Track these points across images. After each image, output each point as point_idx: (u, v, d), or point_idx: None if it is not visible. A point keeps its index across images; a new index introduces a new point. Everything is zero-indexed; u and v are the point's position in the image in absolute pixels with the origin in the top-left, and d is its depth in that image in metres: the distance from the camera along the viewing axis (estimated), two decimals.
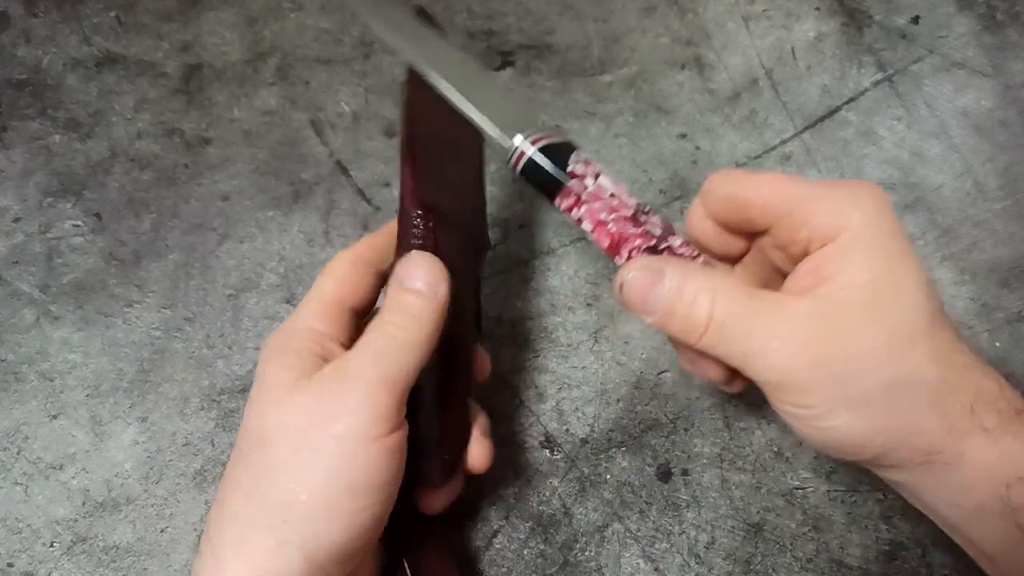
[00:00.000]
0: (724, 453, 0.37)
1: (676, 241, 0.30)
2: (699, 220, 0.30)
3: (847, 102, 0.47)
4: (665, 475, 0.37)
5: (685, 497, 0.36)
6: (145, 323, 0.41)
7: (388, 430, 0.27)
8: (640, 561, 0.35)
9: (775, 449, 0.37)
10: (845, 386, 0.25)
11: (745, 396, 0.38)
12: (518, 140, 0.30)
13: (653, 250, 0.29)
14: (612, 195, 0.30)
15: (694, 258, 0.30)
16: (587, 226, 0.30)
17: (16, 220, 0.44)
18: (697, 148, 0.46)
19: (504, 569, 0.35)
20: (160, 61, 0.49)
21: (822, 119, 0.46)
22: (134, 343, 0.41)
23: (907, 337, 0.25)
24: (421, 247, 0.30)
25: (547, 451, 0.38)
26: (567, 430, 0.38)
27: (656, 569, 0.35)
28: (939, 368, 0.25)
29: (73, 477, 0.38)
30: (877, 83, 0.47)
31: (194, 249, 0.43)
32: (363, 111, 0.47)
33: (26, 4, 0.51)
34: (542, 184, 0.30)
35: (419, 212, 0.30)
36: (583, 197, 0.30)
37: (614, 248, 0.30)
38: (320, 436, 0.26)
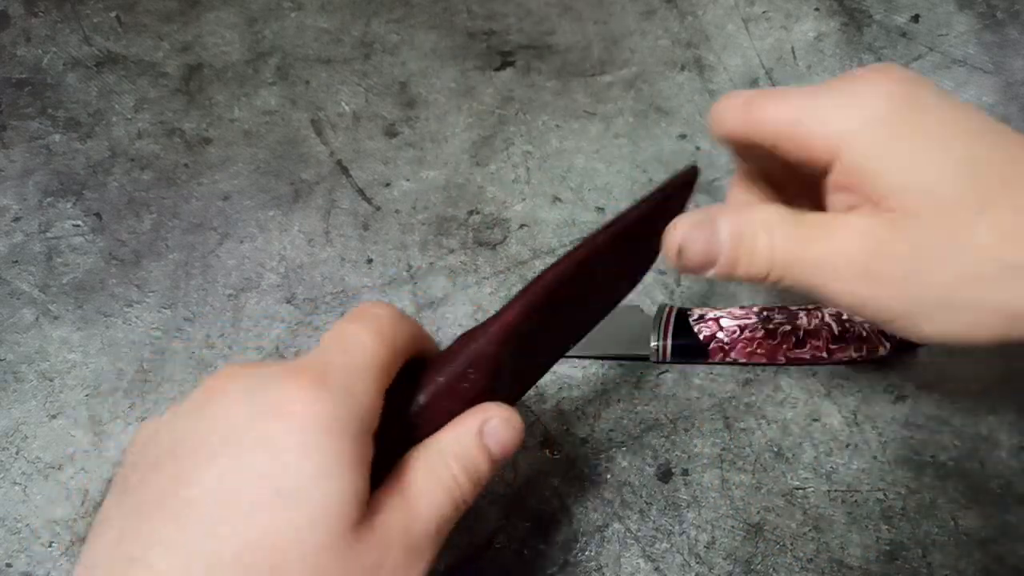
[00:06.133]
0: (724, 453, 0.37)
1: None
2: (742, 192, 0.30)
3: None
4: (665, 475, 0.37)
5: (685, 497, 0.36)
6: (145, 323, 0.41)
7: None
8: (640, 561, 0.35)
9: (775, 449, 0.37)
10: (925, 283, 0.24)
11: (744, 396, 0.38)
12: (653, 343, 0.37)
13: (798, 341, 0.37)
14: (729, 314, 0.37)
15: None
16: (743, 359, 0.37)
17: (16, 220, 0.44)
18: (697, 148, 0.46)
19: (504, 569, 0.35)
20: (160, 61, 0.49)
21: None
22: (134, 343, 0.41)
23: (964, 222, 0.23)
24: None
25: (547, 451, 0.38)
26: (567, 430, 0.38)
27: (656, 569, 0.35)
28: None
29: (72, 477, 0.38)
30: None
31: (194, 249, 0.43)
32: (363, 111, 0.47)
33: (26, 4, 0.51)
34: (693, 357, 0.38)
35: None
36: (726, 347, 0.37)
37: (770, 356, 0.37)
38: None
